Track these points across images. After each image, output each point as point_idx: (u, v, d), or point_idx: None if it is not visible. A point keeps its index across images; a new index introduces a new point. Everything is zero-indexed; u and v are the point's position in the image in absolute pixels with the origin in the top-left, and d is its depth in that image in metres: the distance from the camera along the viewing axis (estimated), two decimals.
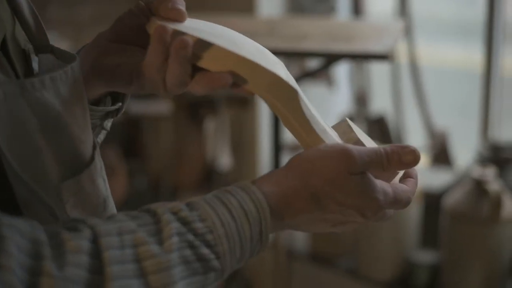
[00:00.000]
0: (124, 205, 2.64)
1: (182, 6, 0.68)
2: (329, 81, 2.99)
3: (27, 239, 0.53)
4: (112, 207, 0.73)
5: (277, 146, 2.01)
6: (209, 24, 0.71)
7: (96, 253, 0.56)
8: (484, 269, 2.18)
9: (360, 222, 0.69)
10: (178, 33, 0.65)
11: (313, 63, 2.67)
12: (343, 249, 2.53)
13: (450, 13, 5.12)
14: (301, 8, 2.92)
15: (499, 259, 2.18)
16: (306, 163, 0.67)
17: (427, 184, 2.46)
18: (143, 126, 3.01)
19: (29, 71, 0.69)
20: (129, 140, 3.03)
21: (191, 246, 0.60)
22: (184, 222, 0.61)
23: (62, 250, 0.54)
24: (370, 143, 0.73)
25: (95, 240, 0.57)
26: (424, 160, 2.82)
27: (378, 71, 3.11)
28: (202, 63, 0.65)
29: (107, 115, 0.77)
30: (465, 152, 2.85)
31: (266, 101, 0.69)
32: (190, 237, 0.60)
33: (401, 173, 0.73)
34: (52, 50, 0.69)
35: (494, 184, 2.14)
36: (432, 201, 2.41)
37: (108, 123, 0.78)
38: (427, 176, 2.58)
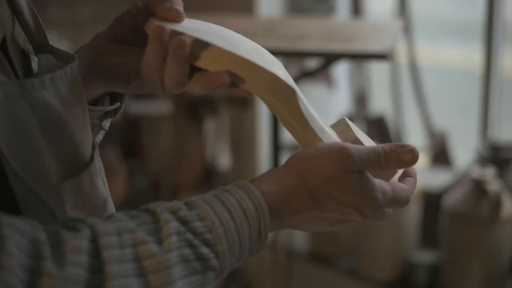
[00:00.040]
0: (124, 205, 2.63)
1: (180, 6, 0.68)
2: (329, 81, 2.99)
3: (27, 239, 0.54)
4: (111, 208, 0.73)
5: (277, 146, 2.01)
6: (207, 24, 0.71)
7: (96, 253, 0.56)
8: (483, 269, 2.18)
9: (359, 221, 0.69)
10: (176, 33, 0.65)
11: (312, 63, 2.67)
12: (343, 249, 2.53)
13: (450, 13, 5.12)
14: (300, 8, 2.92)
15: (499, 259, 2.18)
16: (304, 162, 0.67)
17: (426, 184, 2.46)
18: (143, 126, 3.01)
19: (28, 71, 0.69)
20: (129, 140, 3.03)
21: (190, 245, 0.60)
22: (183, 221, 0.61)
23: (61, 250, 0.55)
24: (368, 142, 0.73)
25: (94, 240, 0.57)
26: (423, 160, 2.82)
27: (378, 71, 3.11)
28: (200, 63, 0.65)
29: (106, 115, 0.77)
30: (464, 152, 2.85)
31: (264, 101, 0.69)
32: (189, 236, 0.60)
33: (400, 172, 0.73)
34: (52, 50, 0.69)
35: (493, 184, 2.14)
36: (432, 201, 2.41)
37: (106, 123, 0.79)
38: (426, 176, 2.58)
